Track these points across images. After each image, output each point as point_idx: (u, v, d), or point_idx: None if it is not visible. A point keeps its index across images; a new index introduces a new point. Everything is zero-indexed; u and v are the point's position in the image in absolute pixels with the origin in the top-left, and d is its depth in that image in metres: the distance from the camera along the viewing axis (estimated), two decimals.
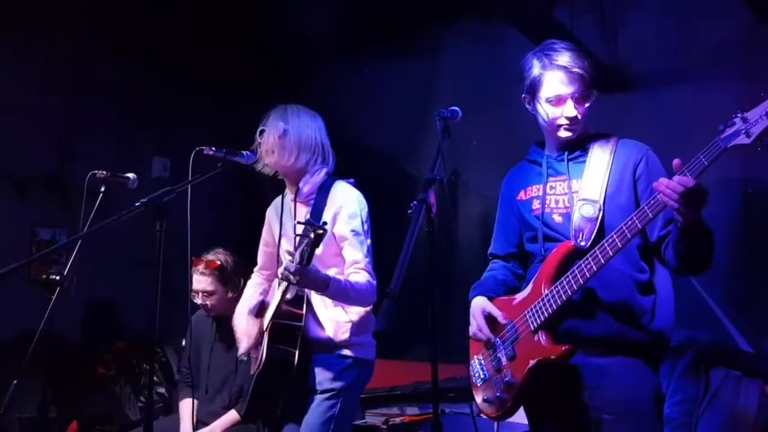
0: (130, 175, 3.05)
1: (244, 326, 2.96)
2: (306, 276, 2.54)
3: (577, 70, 2.30)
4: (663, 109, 3.99)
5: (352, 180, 2.97)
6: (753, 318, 3.76)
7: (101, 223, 2.60)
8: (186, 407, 3.62)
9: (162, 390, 4.27)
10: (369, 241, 2.84)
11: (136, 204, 2.49)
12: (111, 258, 4.75)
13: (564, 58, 2.31)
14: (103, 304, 5.07)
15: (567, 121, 2.33)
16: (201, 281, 3.58)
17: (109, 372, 4.65)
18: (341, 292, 2.69)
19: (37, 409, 4.01)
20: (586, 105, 2.34)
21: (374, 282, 2.78)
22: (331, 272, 2.77)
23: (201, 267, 3.58)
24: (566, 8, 4.15)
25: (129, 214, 2.47)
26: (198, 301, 3.60)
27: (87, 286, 3.44)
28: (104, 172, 2.96)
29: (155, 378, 4.28)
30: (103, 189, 2.94)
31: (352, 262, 2.78)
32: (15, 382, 2.65)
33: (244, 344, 2.95)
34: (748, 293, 3.80)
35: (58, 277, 2.72)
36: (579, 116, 2.33)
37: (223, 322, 3.59)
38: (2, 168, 4.80)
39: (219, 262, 3.61)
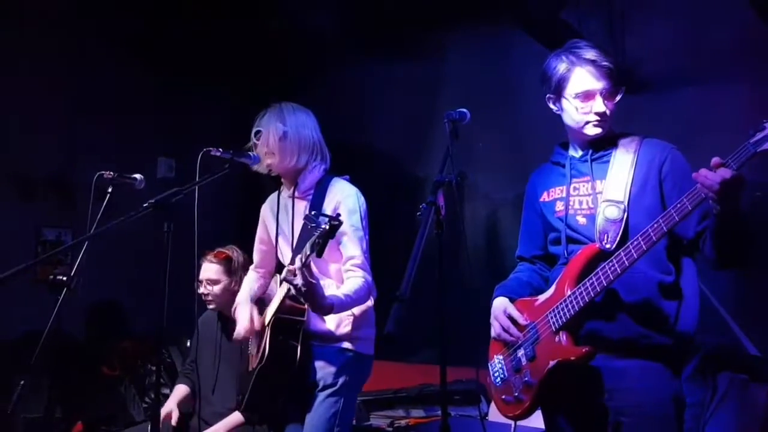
0: (137, 175, 3.05)
1: (244, 314, 2.96)
2: (311, 292, 2.54)
3: (606, 64, 2.29)
4: (671, 111, 3.97)
5: (347, 177, 2.98)
6: (761, 322, 3.74)
7: (110, 224, 2.60)
8: (178, 389, 3.71)
9: (167, 391, 4.26)
10: (366, 237, 2.85)
11: (144, 205, 2.49)
12: (116, 258, 4.76)
13: (591, 53, 2.31)
14: (109, 304, 5.08)
15: (596, 117, 2.31)
16: (208, 269, 3.63)
17: (113, 372, 4.66)
18: (345, 308, 2.72)
19: (42, 409, 4.01)
20: (614, 101, 2.32)
21: (370, 279, 2.80)
22: (336, 266, 2.81)
23: (210, 256, 3.65)
24: (574, 10, 4.14)
25: (137, 215, 2.48)
26: (201, 290, 3.62)
27: (92, 287, 3.44)
28: (111, 173, 2.96)
29: (161, 379, 4.29)
30: (110, 189, 2.94)
31: (349, 258, 2.79)
32: (22, 382, 2.65)
33: (240, 329, 2.95)
34: (756, 297, 3.78)
35: (64, 278, 2.72)
36: (607, 112, 2.31)
37: (228, 321, 3.60)
38: (8, 168, 4.81)
39: (228, 253, 3.66)
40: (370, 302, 2.87)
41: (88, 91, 5.10)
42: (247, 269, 3.63)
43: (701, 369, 3.54)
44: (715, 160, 1.97)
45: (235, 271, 3.65)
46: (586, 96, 2.30)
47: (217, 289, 3.63)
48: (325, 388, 2.77)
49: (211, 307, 3.69)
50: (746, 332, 3.76)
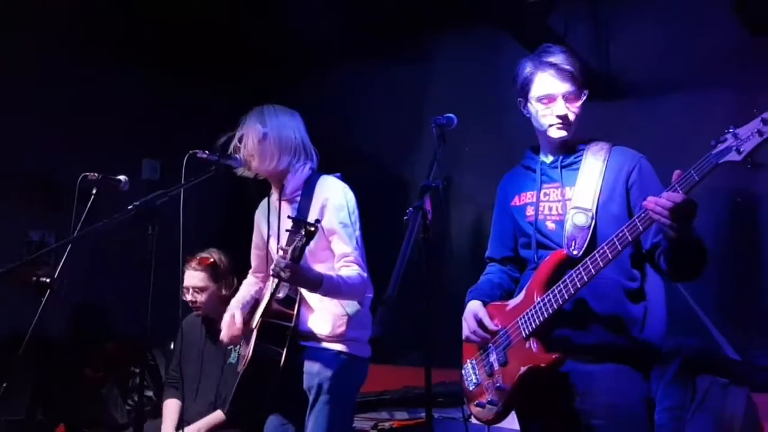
0: (122, 177, 3.03)
1: (229, 317, 2.93)
2: (297, 273, 2.54)
3: (567, 67, 2.32)
4: (654, 118, 4.01)
5: (338, 174, 2.96)
6: (740, 326, 3.79)
7: (94, 226, 2.59)
8: (169, 407, 3.65)
9: (150, 393, 4.25)
10: (358, 232, 2.82)
11: (129, 207, 2.48)
12: (100, 260, 4.72)
13: (554, 57, 2.34)
14: (92, 306, 5.04)
15: (558, 120, 2.34)
16: (193, 277, 3.60)
17: (96, 374, 4.62)
18: (334, 289, 2.67)
19: (24, 411, 3.98)
20: (578, 104, 2.35)
21: (365, 274, 2.76)
22: (324, 266, 2.76)
23: (194, 263, 3.61)
24: (560, 15, 4.17)
25: (121, 217, 2.47)
26: (188, 297, 3.60)
27: (76, 288, 3.42)
28: (96, 174, 2.94)
29: (144, 381, 4.27)
30: (94, 191, 2.92)
31: (342, 255, 2.76)
32: (4, 384, 2.63)
33: (224, 332, 2.91)
34: (736, 301, 3.82)
35: (48, 280, 2.70)
36: (570, 115, 2.34)
37: (212, 324, 3.59)
38: None
39: (212, 259, 3.63)
40: (368, 294, 2.83)
41: (72, 92, 5.06)
42: (232, 272, 3.63)
43: (682, 372, 3.58)
44: (676, 172, 2.00)
45: (221, 276, 3.64)
46: (548, 99, 2.34)
47: (204, 296, 3.61)
48: (321, 394, 2.73)
49: (197, 313, 3.67)
50: (726, 336, 3.80)
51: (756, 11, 3.68)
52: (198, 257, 3.63)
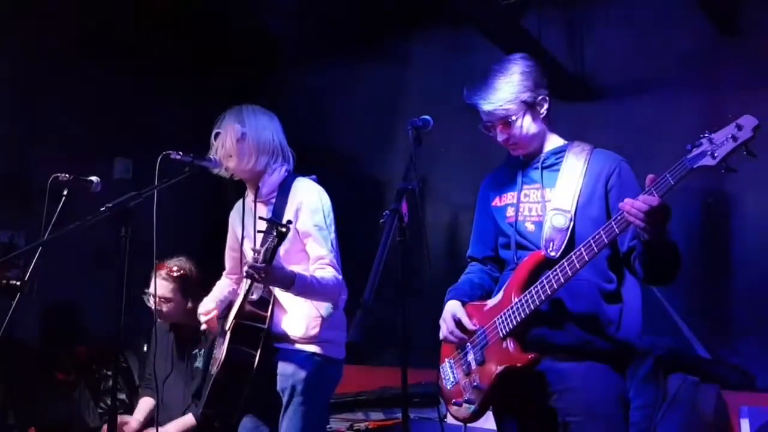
0: (93, 178, 2.97)
1: (204, 305, 2.91)
2: (271, 273, 2.53)
3: (486, 108, 2.36)
4: (626, 119, 4.06)
5: (314, 176, 2.95)
6: (710, 325, 3.85)
7: (65, 228, 2.55)
8: (142, 404, 3.66)
9: (123, 396, 4.20)
10: (333, 235, 2.81)
11: (101, 209, 2.45)
12: (71, 261, 4.65)
13: (473, 98, 2.38)
14: (63, 308, 4.96)
15: (502, 143, 2.40)
16: (161, 287, 3.51)
17: (68, 377, 4.56)
18: (307, 288, 2.66)
19: None
20: (519, 125, 2.36)
21: (340, 277, 2.76)
22: (299, 269, 2.74)
23: (164, 273, 3.53)
24: (534, 17, 4.20)
25: (94, 219, 2.43)
26: (152, 305, 3.54)
27: (47, 290, 3.37)
28: (67, 175, 2.88)
29: (117, 384, 4.21)
30: (65, 192, 2.87)
31: (317, 258, 2.75)
32: None
33: (202, 319, 2.89)
34: (706, 301, 3.88)
35: (18, 282, 2.65)
36: (511, 138, 2.38)
37: (179, 331, 3.56)
38: None
39: (183, 271, 3.56)
40: (342, 296, 2.82)
41: (44, 90, 4.99)
42: (201, 284, 3.57)
43: (654, 371, 3.63)
44: (649, 177, 2.02)
45: (190, 288, 3.56)
46: (486, 127, 2.42)
47: (169, 306, 3.54)
48: (295, 396, 2.72)
49: (160, 321, 3.62)
50: (697, 335, 3.87)
51: (721, 7, 3.74)
52: (168, 267, 3.55)
